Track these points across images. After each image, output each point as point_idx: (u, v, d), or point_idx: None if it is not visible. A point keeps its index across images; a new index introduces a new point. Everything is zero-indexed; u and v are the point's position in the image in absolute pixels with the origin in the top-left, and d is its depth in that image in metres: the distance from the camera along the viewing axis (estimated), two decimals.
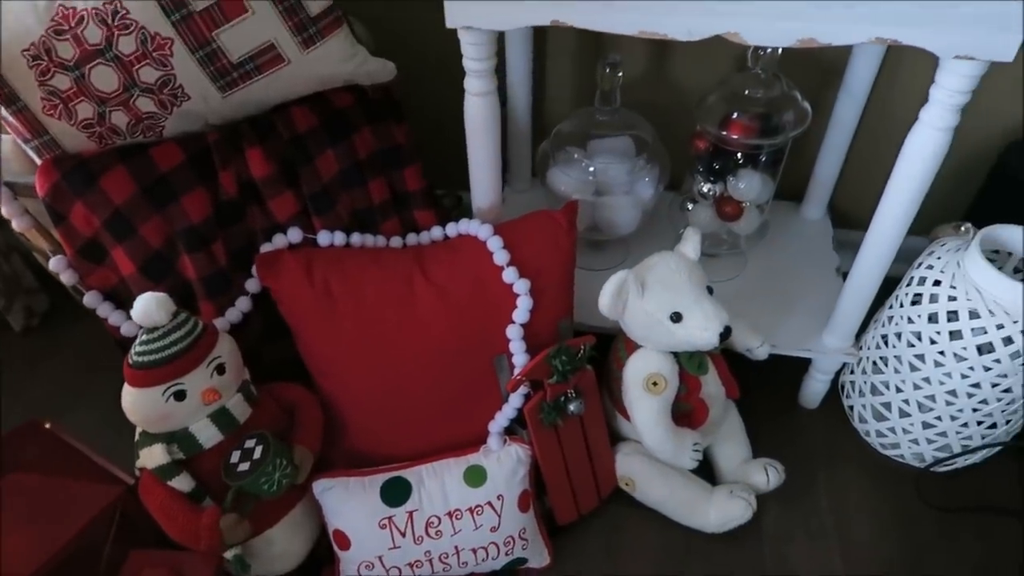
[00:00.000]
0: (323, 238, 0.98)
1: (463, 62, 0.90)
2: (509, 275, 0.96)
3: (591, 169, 1.12)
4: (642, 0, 0.79)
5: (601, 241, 1.24)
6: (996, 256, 1.06)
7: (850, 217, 1.41)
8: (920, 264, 1.03)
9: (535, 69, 1.27)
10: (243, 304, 0.96)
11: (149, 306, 0.79)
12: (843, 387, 1.21)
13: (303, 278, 0.93)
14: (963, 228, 1.00)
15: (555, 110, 1.37)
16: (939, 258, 1.00)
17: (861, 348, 1.13)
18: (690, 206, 1.18)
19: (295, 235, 0.96)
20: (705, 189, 1.13)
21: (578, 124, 1.16)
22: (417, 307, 0.95)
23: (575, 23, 0.82)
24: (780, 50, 1.03)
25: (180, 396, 0.82)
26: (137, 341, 0.81)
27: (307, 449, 0.92)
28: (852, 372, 1.17)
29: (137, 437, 0.86)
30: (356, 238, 1.00)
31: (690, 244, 0.98)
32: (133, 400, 0.82)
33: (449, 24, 0.84)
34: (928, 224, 1.14)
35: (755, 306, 1.19)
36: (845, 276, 1.06)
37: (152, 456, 0.84)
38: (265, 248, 0.95)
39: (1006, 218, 1.17)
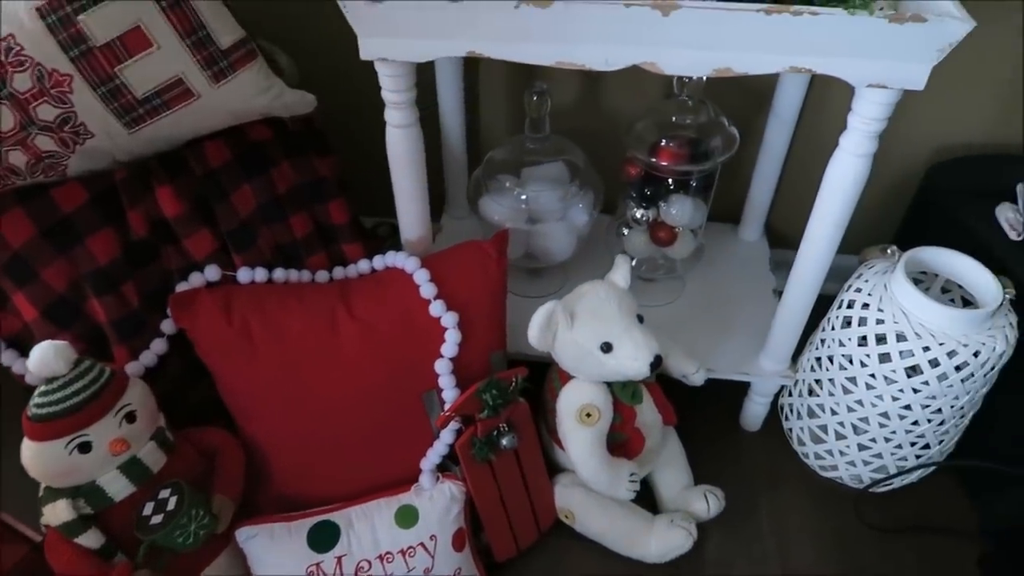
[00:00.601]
0: (243, 275, 0.94)
1: (382, 94, 0.88)
2: (436, 308, 0.94)
3: (523, 197, 1.10)
4: (555, 32, 0.78)
5: (538, 268, 1.23)
6: (924, 277, 1.07)
7: (787, 237, 1.41)
8: (849, 287, 1.03)
9: (468, 95, 1.25)
10: (159, 346, 0.92)
11: (46, 355, 0.75)
12: (782, 409, 1.21)
13: (220, 317, 0.89)
14: (889, 251, 1.01)
15: (491, 136, 1.36)
16: (867, 281, 1.01)
17: (797, 370, 1.13)
18: (625, 231, 1.18)
19: (213, 273, 0.93)
20: (638, 215, 1.12)
21: (510, 152, 1.15)
22: (341, 343, 0.92)
23: (492, 54, 0.81)
24: (705, 77, 1.03)
25: (85, 448, 0.78)
26: (36, 392, 0.77)
27: (227, 497, 0.88)
28: (790, 395, 1.17)
29: (41, 493, 0.81)
30: (279, 273, 0.97)
31: (620, 272, 0.97)
32: (33, 454, 0.77)
33: (364, 56, 0.82)
34: (860, 243, 1.15)
35: (693, 330, 1.19)
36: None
37: (56, 513, 0.79)
38: (181, 287, 0.91)
39: (933, 237, 1.19)
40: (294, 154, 0.95)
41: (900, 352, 0.94)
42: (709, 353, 1.15)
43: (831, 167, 0.89)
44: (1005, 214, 1.09)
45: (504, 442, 0.95)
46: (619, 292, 0.95)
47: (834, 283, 1.07)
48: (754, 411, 1.21)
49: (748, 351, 1.15)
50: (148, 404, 0.84)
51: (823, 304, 1.02)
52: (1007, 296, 0.94)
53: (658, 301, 1.23)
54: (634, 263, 1.18)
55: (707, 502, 1.05)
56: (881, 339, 0.96)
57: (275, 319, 0.91)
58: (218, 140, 0.89)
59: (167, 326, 0.92)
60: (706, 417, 1.21)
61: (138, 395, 0.83)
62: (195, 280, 0.92)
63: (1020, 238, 1.05)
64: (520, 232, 1.13)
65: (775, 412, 1.23)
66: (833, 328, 1.04)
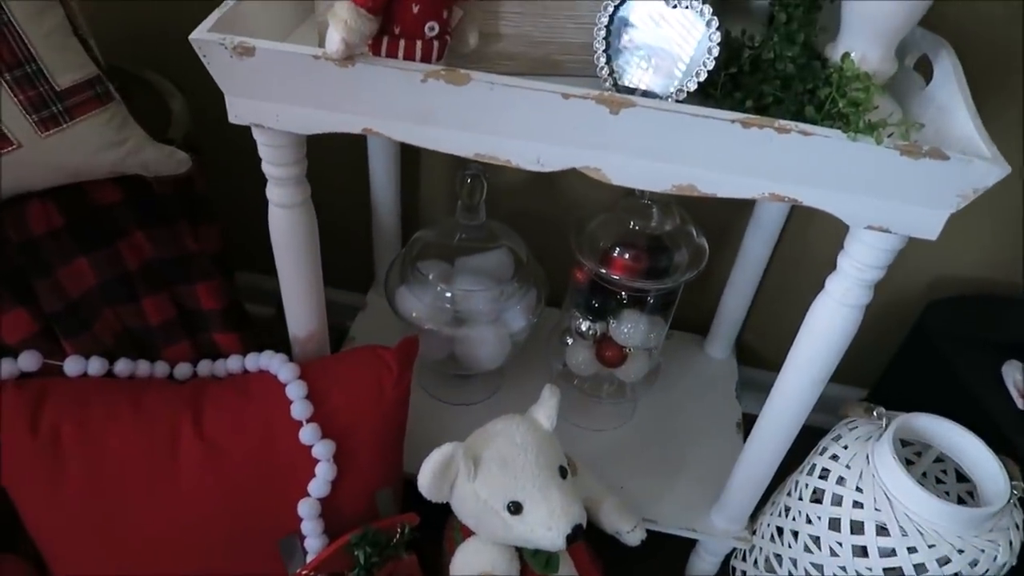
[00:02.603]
0: (72, 366, 0.75)
1: (262, 166, 0.70)
2: (308, 435, 0.75)
3: (447, 295, 0.92)
4: (475, 118, 0.61)
5: (465, 374, 1.04)
6: (914, 442, 0.90)
7: (759, 356, 1.24)
8: (824, 450, 0.85)
9: (405, 162, 1.08)
10: None
11: None
12: (734, 572, 1.02)
13: (23, 421, 0.70)
14: (876, 412, 0.83)
15: (431, 211, 1.18)
16: (846, 447, 0.83)
17: (754, 534, 0.94)
18: (569, 340, 0.99)
19: (29, 362, 0.73)
20: (583, 327, 0.94)
21: (442, 234, 0.97)
22: (180, 468, 0.73)
23: (394, 136, 0.63)
24: None
25: None
26: None
27: None
28: (744, 559, 0.97)
29: None
30: (123, 366, 0.78)
31: (545, 410, 0.79)
32: None
33: (233, 120, 0.64)
34: (836, 378, 0.97)
35: (639, 466, 1.00)
36: (748, 432, 0.87)
37: None
38: None
39: (926, 388, 1.02)
40: (155, 223, 0.77)
41: (879, 549, 0.75)
42: (654, 498, 0.97)
43: (813, 312, 0.71)
44: (1013, 375, 0.92)
45: None
46: (540, 436, 0.76)
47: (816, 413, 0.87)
48: (701, 568, 1.02)
49: (700, 501, 0.97)
50: None
51: (801, 437, 0.83)
52: (1015, 494, 0.76)
53: (602, 425, 1.04)
54: (576, 382, 1.00)
55: None
56: (857, 527, 0.78)
57: (96, 428, 0.72)
58: (49, 202, 0.70)
59: None
60: (648, 569, 1.01)
61: None
62: (5, 369, 0.73)
63: None
64: (441, 336, 0.94)
65: (727, 571, 1.03)
66: (801, 498, 0.85)
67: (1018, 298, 1.08)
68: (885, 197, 0.60)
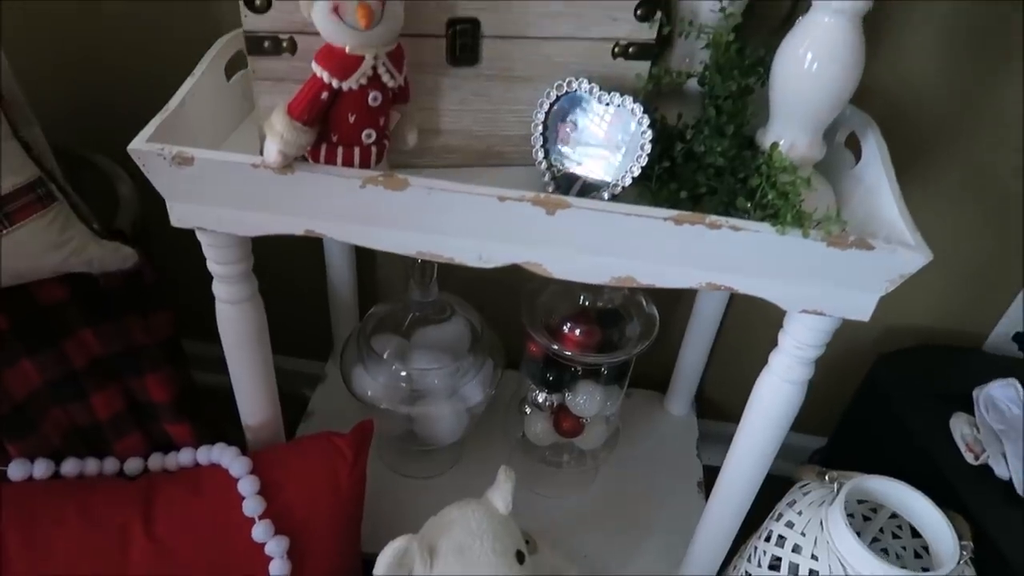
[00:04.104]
0: (16, 470, 0.73)
1: (207, 264, 0.70)
2: (261, 532, 0.74)
3: (403, 374, 0.92)
4: (415, 219, 0.61)
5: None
6: (867, 500, 0.91)
7: (721, 408, 1.25)
8: (779, 516, 0.86)
9: None
10: None
11: None
12: None
13: None
14: (828, 477, 0.84)
15: (388, 283, 1.17)
16: (800, 513, 0.83)
17: None
18: (527, 409, 1.00)
19: None
20: (540, 399, 0.95)
21: (396, 309, 0.97)
22: (130, 571, 0.71)
23: (336, 236, 0.64)
24: None
25: None
26: None
27: None
28: None
29: None
30: (70, 466, 0.76)
31: (501, 494, 0.78)
32: None
33: (175, 224, 0.64)
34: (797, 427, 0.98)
35: (603, 531, 1.01)
36: (709, 490, 0.87)
37: None
38: None
39: (879, 443, 1.04)
40: (102, 319, 0.76)
41: None
42: (618, 563, 0.98)
43: (758, 389, 0.73)
44: (961, 429, 0.94)
45: None
46: (496, 522, 0.76)
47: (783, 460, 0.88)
48: None
49: (664, 563, 0.99)
50: None
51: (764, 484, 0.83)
52: (964, 554, 0.77)
53: (564, 492, 1.04)
54: (535, 451, 1.00)
55: None
56: None
57: (42, 536, 0.70)
58: None
59: None
60: None
61: None
62: None
63: (978, 462, 0.90)
64: (399, 414, 0.94)
65: None
66: (760, 564, 0.85)
67: (967, 348, 1.10)
68: (817, 283, 0.62)
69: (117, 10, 0.93)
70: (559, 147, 0.66)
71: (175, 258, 0.97)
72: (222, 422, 0.89)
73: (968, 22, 0.82)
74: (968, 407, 0.97)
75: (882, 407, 1.04)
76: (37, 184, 0.69)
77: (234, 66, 0.72)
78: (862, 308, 0.63)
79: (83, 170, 0.91)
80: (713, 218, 0.58)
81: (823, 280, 0.61)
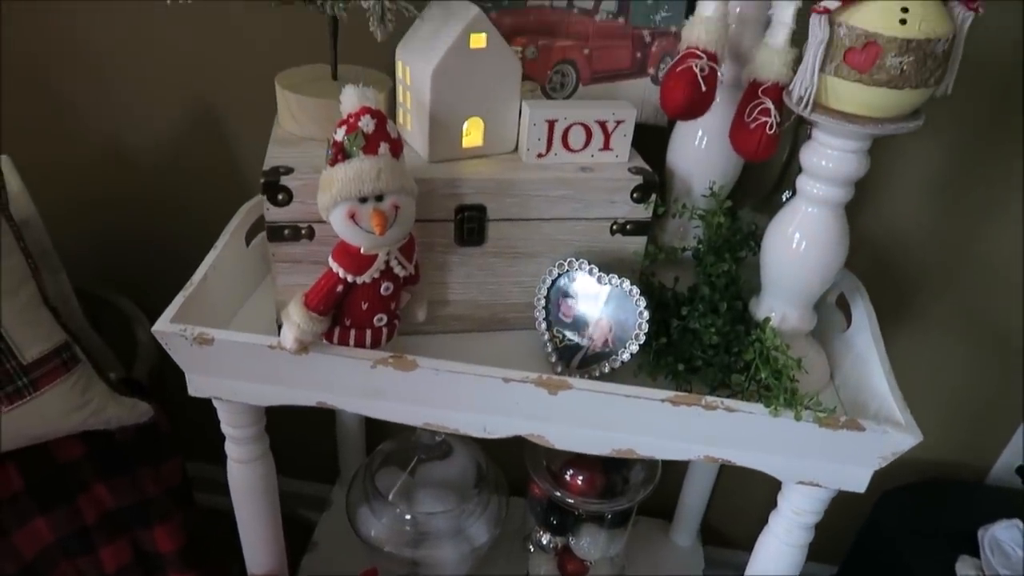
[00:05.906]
0: None
1: (221, 425, 0.72)
2: None
3: (408, 518, 0.93)
4: (423, 395, 0.64)
5: None
6: None
7: (726, 537, 1.24)
8: None
9: None
10: None
11: None
12: None
13: None
14: None
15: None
16: None
17: None
18: (531, 547, 1.00)
19: None
20: (544, 541, 0.95)
21: (401, 449, 0.99)
22: None
23: (348, 408, 0.66)
24: None
25: None
26: None
27: None
28: None
29: None
30: None
31: None
32: None
33: (192, 393, 0.67)
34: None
35: None
36: None
37: None
38: None
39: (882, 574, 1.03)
40: (116, 473, 0.78)
41: None
42: None
43: (758, 551, 0.73)
44: (966, 573, 0.94)
45: None
46: None
47: None
48: None
49: None
50: None
51: None
52: None
53: None
54: None
55: None
56: None
57: None
58: (9, 463, 0.72)
59: None
60: None
61: None
62: None
63: None
64: (402, 557, 0.94)
65: None
66: None
67: (971, 482, 1.10)
68: (812, 458, 0.63)
69: (140, 160, 0.97)
70: (560, 317, 0.69)
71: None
72: (228, 564, 0.89)
73: (952, 173, 0.86)
74: (973, 545, 0.97)
75: (885, 548, 1.03)
76: (63, 349, 0.72)
77: (254, 230, 0.76)
78: (857, 481, 0.64)
79: (103, 313, 0.95)
80: (709, 399, 0.61)
81: (818, 455, 0.63)
